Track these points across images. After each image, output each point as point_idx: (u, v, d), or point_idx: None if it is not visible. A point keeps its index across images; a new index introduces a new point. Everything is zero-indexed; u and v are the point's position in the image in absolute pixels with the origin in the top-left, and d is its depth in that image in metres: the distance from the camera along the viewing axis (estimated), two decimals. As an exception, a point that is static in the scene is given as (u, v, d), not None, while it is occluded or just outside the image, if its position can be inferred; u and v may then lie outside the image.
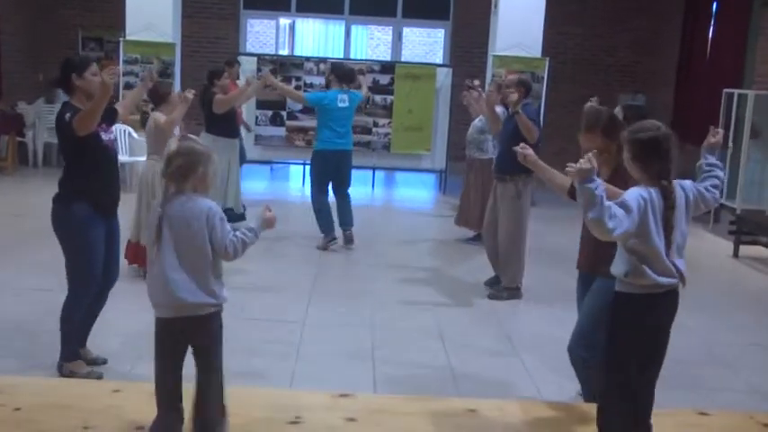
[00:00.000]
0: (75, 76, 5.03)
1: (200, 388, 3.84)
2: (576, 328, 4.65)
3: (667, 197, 3.67)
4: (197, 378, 3.85)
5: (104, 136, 5.11)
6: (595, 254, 4.42)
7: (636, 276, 3.70)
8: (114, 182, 5.26)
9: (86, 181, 5.03)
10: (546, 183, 4.89)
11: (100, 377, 5.15)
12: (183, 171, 3.75)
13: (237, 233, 3.82)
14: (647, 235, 3.64)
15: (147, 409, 4.18)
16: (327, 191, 9.38)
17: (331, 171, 9.24)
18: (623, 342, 3.80)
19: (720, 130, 4.20)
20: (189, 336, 3.81)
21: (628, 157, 3.77)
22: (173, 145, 3.81)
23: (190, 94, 7.26)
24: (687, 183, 3.86)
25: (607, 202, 3.50)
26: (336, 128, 9.10)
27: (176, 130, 7.49)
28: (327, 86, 9.46)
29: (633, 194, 3.64)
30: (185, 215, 3.74)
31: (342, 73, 9.32)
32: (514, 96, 7.28)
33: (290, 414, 4.10)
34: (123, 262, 6.17)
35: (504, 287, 7.65)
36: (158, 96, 7.53)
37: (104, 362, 5.43)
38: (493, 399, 4.92)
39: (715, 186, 3.98)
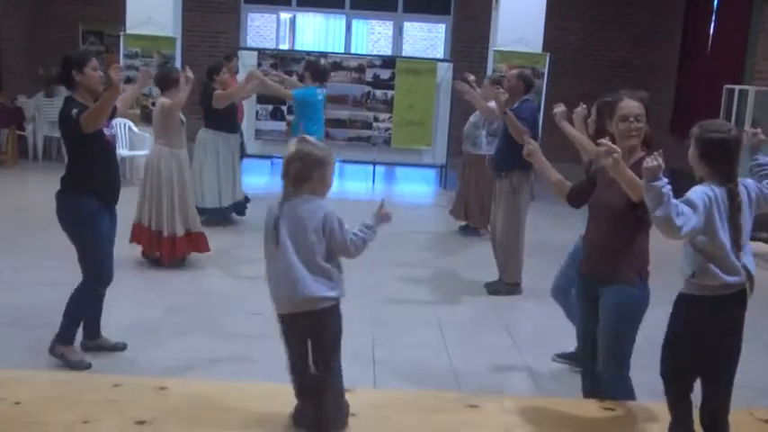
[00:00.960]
0: (75, 71, 5.07)
1: (315, 388, 3.89)
2: (601, 350, 4.38)
3: (734, 199, 3.67)
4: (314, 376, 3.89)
5: (106, 131, 5.19)
6: (607, 260, 4.29)
7: (702, 276, 3.70)
8: (116, 175, 5.38)
9: (91, 176, 5.11)
10: (546, 183, 4.76)
11: (89, 367, 5.23)
12: (300, 175, 3.77)
13: (357, 232, 3.94)
14: (714, 233, 3.63)
15: (148, 404, 4.19)
16: None
17: None
18: (688, 347, 3.82)
19: (758, 130, 4.16)
20: (307, 330, 3.84)
21: (695, 154, 3.73)
22: (291, 147, 3.79)
23: (190, 73, 7.48)
24: (749, 181, 3.87)
25: (673, 200, 3.49)
26: (316, 119, 9.78)
27: (182, 116, 7.63)
28: (301, 80, 10.25)
29: (698, 192, 3.63)
30: (302, 216, 3.78)
31: (317, 71, 9.94)
32: (503, 97, 7.21)
33: (291, 409, 4.09)
34: (121, 252, 6.16)
35: (503, 282, 7.65)
36: (167, 81, 7.55)
37: (124, 347, 5.57)
38: (494, 394, 4.92)
39: None
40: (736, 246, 3.68)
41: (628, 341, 4.32)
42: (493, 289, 7.64)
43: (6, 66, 14.44)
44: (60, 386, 4.51)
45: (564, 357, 5.79)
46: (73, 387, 4.51)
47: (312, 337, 3.82)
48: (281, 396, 4.03)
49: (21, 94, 14.17)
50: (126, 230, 7.23)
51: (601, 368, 4.42)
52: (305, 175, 3.77)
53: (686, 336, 3.83)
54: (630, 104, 4.26)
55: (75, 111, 4.96)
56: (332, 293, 3.83)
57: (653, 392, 4.54)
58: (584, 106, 5.95)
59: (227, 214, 9.68)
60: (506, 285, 7.63)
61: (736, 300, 3.78)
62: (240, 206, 9.84)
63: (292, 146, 3.80)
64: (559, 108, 6.02)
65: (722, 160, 3.68)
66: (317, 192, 3.83)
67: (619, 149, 3.96)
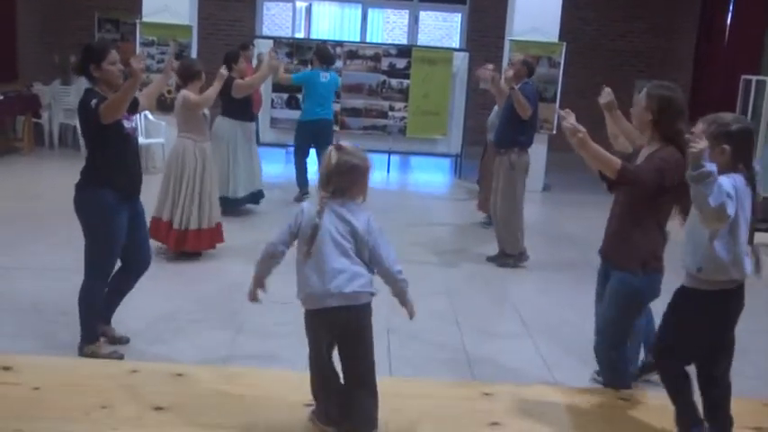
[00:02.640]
0: (93, 67, 5.00)
1: (348, 385, 3.96)
2: (597, 327, 4.59)
3: (753, 183, 3.69)
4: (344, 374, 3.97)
5: (126, 124, 5.12)
6: (613, 246, 4.43)
7: (710, 272, 3.70)
8: (137, 169, 5.30)
9: (111, 169, 5.05)
10: (587, 158, 4.31)
11: (121, 357, 5.18)
12: (342, 186, 3.84)
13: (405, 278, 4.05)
14: (738, 224, 3.64)
15: (165, 390, 4.23)
16: (308, 154, 10.92)
17: (312, 138, 10.73)
18: (692, 338, 3.85)
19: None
20: (345, 325, 3.91)
21: (719, 148, 3.66)
22: (332, 158, 3.81)
23: (224, 71, 7.62)
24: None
25: (721, 186, 3.46)
26: (318, 100, 10.64)
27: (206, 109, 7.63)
28: (311, 64, 11.28)
29: (727, 182, 3.57)
30: (346, 219, 3.84)
31: (323, 55, 10.89)
32: (510, 73, 7.97)
33: (306, 396, 4.12)
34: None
35: (507, 254, 8.08)
36: (189, 74, 7.48)
37: (127, 341, 5.49)
38: (508, 383, 4.94)
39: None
40: (751, 235, 3.74)
41: (621, 327, 4.42)
42: (501, 263, 8.06)
43: (23, 53, 14.49)
44: (78, 372, 4.55)
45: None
46: (91, 373, 4.55)
47: (350, 332, 3.88)
48: (300, 383, 4.06)
49: (37, 82, 14.19)
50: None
51: (597, 350, 4.59)
52: (347, 186, 3.83)
53: (691, 327, 3.85)
54: (638, 101, 4.39)
55: (94, 101, 4.90)
56: (371, 288, 3.90)
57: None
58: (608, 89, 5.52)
59: (243, 204, 9.70)
60: (511, 257, 8.06)
61: (738, 293, 3.83)
62: (256, 196, 9.85)
63: (333, 157, 3.80)
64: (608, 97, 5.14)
65: (748, 149, 3.72)
66: (356, 198, 3.89)
67: (583, 129, 4.10)
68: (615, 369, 4.56)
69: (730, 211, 3.46)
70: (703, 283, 3.76)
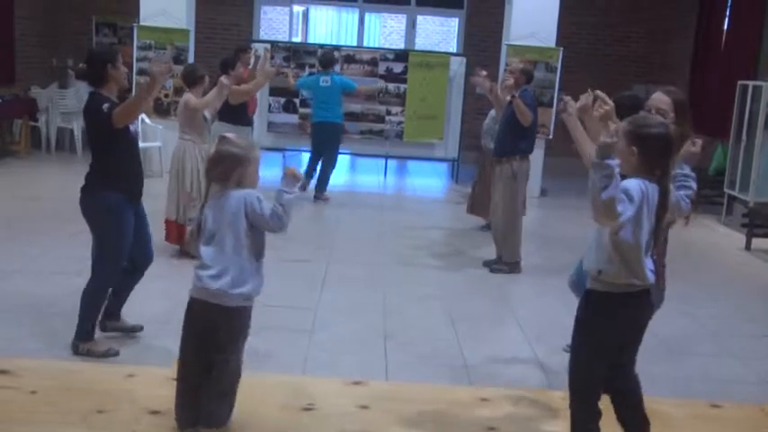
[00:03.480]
0: (110, 66, 5.11)
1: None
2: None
3: (665, 196, 3.56)
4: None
5: (131, 127, 5.23)
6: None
7: (610, 275, 3.61)
8: (140, 171, 5.42)
9: (117, 171, 5.13)
10: (577, 147, 4.55)
11: (117, 354, 5.22)
12: (223, 175, 3.91)
13: (274, 205, 3.89)
14: (638, 230, 3.53)
15: (162, 393, 4.22)
16: (318, 155, 11.48)
17: (316, 139, 11.43)
18: (593, 341, 3.74)
19: (699, 141, 4.13)
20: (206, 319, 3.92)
21: (627, 149, 3.56)
22: (212, 148, 3.91)
23: (226, 81, 7.68)
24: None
25: (619, 185, 3.38)
26: (320, 103, 11.25)
27: (206, 113, 7.72)
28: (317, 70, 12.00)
29: (634, 184, 3.52)
30: (224, 208, 3.87)
31: (321, 60, 11.74)
32: (510, 82, 7.88)
33: (304, 401, 4.13)
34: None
35: (504, 262, 8.05)
36: (193, 79, 7.64)
37: (141, 329, 5.60)
38: (505, 387, 4.94)
39: (688, 196, 3.94)
40: (649, 248, 3.60)
41: None
42: (495, 269, 8.02)
43: (20, 56, 14.48)
44: (75, 375, 4.55)
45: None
46: (88, 377, 4.55)
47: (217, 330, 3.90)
48: (296, 387, 4.06)
49: (34, 85, 14.19)
50: (152, 223, 7.26)
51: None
52: (227, 175, 3.89)
53: (596, 333, 3.75)
54: (659, 98, 4.30)
55: (106, 105, 4.97)
56: (235, 290, 3.87)
57: (664, 386, 4.57)
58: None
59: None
60: (507, 264, 8.03)
61: (641, 299, 3.70)
62: None
63: (213, 147, 3.96)
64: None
65: (660, 155, 3.56)
66: (243, 184, 3.93)
67: (611, 102, 4.06)
68: None
69: (621, 209, 3.38)
70: (606, 286, 3.68)
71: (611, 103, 4.04)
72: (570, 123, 4.55)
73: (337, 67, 12.77)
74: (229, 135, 3.97)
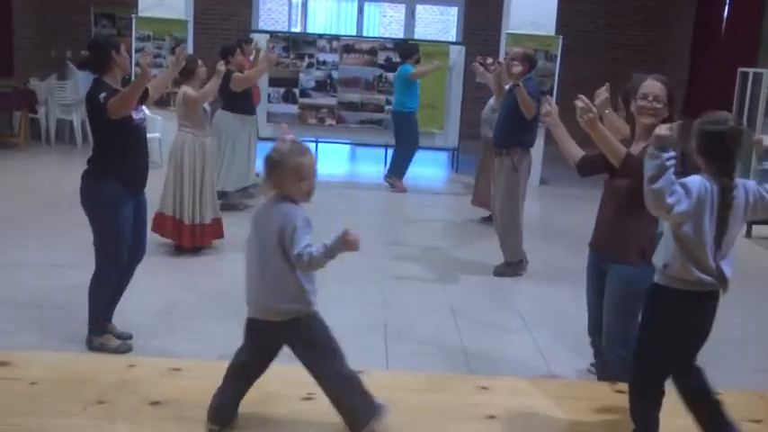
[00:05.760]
0: (115, 53, 5.12)
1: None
2: (605, 329, 4.48)
3: (725, 195, 3.52)
4: None
5: (135, 115, 5.18)
6: (612, 239, 4.38)
7: (675, 269, 3.60)
8: (144, 161, 5.35)
9: (118, 161, 5.11)
10: (559, 147, 4.72)
11: (129, 350, 5.28)
12: (266, 179, 3.72)
13: (317, 248, 3.61)
14: (699, 226, 3.51)
15: (162, 384, 4.23)
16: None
17: (392, 126, 12.26)
18: (657, 336, 3.73)
19: (761, 138, 4.08)
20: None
21: (693, 147, 3.60)
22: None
23: (222, 67, 7.56)
24: (751, 183, 3.66)
25: (672, 177, 3.41)
26: (402, 93, 11.86)
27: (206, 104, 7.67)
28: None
29: (696, 180, 3.52)
30: (268, 220, 3.70)
31: (398, 51, 12.60)
32: (518, 69, 7.40)
33: (303, 390, 4.12)
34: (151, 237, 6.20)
35: (506, 262, 7.71)
36: (186, 70, 7.45)
37: (129, 337, 5.51)
38: (505, 376, 4.94)
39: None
40: (716, 245, 3.56)
41: (631, 322, 4.31)
42: (498, 271, 7.69)
43: (19, 48, 14.46)
44: (75, 367, 4.55)
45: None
46: (88, 368, 4.54)
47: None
48: (297, 378, 4.05)
49: (33, 77, 14.17)
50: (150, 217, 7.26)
51: (606, 348, 4.49)
52: (269, 181, 3.69)
53: (660, 329, 3.73)
54: (653, 84, 4.27)
55: (102, 95, 4.96)
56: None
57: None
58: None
59: (235, 198, 9.71)
60: (510, 265, 7.68)
61: (708, 299, 3.67)
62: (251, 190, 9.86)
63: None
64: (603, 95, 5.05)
65: (716, 154, 3.54)
66: (289, 197, 3.69)
67: (594, 109, 4.06)
68: (625, 368, 4.46)
69: (672, 201, 3.40)
70: (670, 280, 3.68)
71: (594, 110, 4.07)
72: (552, 124, 4.64)
73: (336, 57, 12.78)
74: (287, 137, 3.69)
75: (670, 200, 3.41)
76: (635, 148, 4.32)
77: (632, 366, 3.87)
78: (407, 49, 12.22)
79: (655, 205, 3.47)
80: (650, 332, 3.77)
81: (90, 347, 5.22)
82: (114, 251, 5.19)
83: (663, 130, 3.44)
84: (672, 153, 3.42)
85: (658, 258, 3.71)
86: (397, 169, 11.99)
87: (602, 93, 4.89)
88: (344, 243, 3.59)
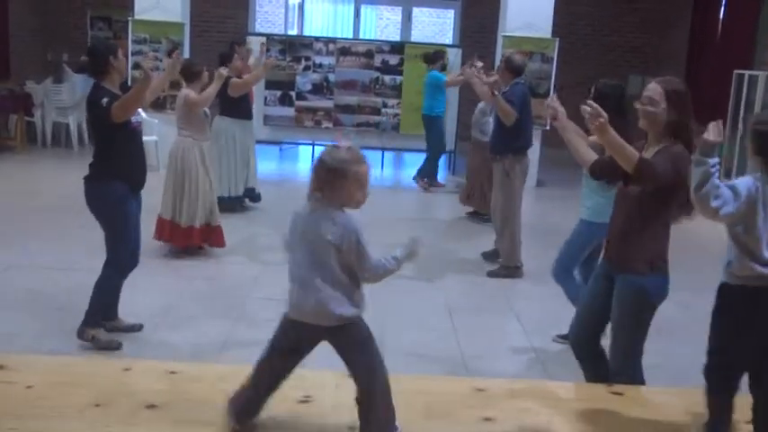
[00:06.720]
0: (112, 57, 5.22)
1: None
2: (611, 344, 4.39)
3: None
4: None
5: (133, 119, 5.33)
6: (620, 248, 4.27)
7: (736, 267, 3.66)
8: (143, 162, 5.51)
9: (120, 163, 5.24)
10: (570, 150, 4.61)
11: (119, 346, 5.34)
12: (315, 186, 3.63)
13: (387, 259, 3.73)
14: (753, 224, 3.56)
15: (158, 388, 4.22)
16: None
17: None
18: (725, 332, 3.76)
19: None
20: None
21: (749, 145, 3.64)
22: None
23: (224, 72, 7.67)
24: None
25: (716, 182, 3.42)
26: (429, 98, 12.21)
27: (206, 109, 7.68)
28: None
29: (745, 180, 3.54)
30: (316, 228, 3.62)
31: (425, 57, 12.53)
32: (491, 79, 7.57)
33: (300, 393, 4.12)
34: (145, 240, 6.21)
35: (502, 265, 7.74)
36: (191, 74, 7.57)
37: (141, 328, 5.69)
38: (501, 378, 4.94)
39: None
40: None
41: (636, 332, 4.27)
42: (492, 272, 7.71)
43: (15, 51, 14.45)
44: (72, 370, 4.54)
45: (565, 338, 5.77)
46: (84, 371, 4.54)
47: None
48: (293, 380, 4.05)
49: (29, 80, 14.16)
50: (146, 218, 7.26)
51: (612, 367, 4.43)
52: (318, 186, 3.61)
53: (727, 327, 3.76)
54: (650, 86, 4.20)
55: (105, 99, 5.07)
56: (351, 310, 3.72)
57: (660, 376, 4.57)
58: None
59: (242, 201, 9.73)
60: (505, 268, 7.70)
61: (759, 296, 3.68)
62: (253, 192, 9.87)
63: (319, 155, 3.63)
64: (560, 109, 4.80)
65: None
66: (341, 204, 3.63)
67: (605, 114, 3.92)
68: (633, 373, 4.44)
69: (717, 204, 3.44)
70: (732, 278, 3.73)
71: (605, 114, 3.94)
72: (560, 127, 4.54)
73: (332, 60, 12.74)
74: (343, 143, 3.60)
75: (715, 203, 3.45)
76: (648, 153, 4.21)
77: (706, 359, 3.88)
78: (433, 55, 12.39)
79: (701, 210, 3.53)
80: (718, 329, 3.81)
81: (81, 337, 5.30)
82: (124, 246, 5.33)
83: (712, 136, 3.41)
84: (716, 159, 3.43)
85: (724, 257, 3.77)
86: (424, 171, 12.39)
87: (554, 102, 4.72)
88: (414, 254, 3.74)
